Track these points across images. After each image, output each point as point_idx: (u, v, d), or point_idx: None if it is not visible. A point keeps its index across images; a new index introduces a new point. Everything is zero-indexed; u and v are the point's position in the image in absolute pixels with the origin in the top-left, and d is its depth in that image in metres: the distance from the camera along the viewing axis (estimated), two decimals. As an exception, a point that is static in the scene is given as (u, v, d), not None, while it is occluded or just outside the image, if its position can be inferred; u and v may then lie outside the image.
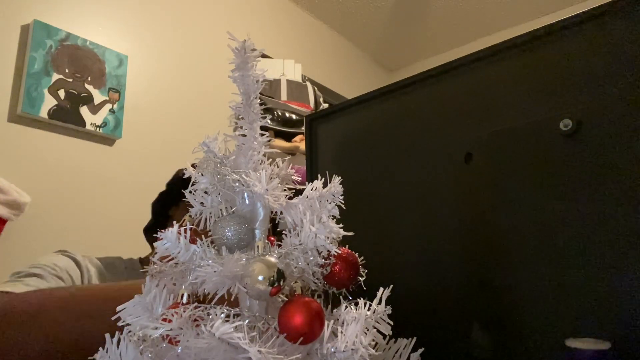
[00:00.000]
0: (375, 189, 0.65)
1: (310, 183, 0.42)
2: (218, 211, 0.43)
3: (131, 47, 2.00)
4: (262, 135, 0.44)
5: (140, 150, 1.95)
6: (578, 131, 0.47)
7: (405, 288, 0.55)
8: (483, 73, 0.56)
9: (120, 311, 0.40)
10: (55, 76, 1.70)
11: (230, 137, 0.45)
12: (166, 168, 1.19)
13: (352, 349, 0.34)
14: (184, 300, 0.39)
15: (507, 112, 0.53)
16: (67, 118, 1.71)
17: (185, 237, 0.39)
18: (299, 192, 0.41)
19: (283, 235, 0.40)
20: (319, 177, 0.43)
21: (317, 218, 0.39)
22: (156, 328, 0.35)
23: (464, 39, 3.37)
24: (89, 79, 1.81)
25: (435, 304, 0.57)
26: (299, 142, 2.04)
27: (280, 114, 2.06)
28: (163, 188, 1.05)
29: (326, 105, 2.36)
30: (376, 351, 0.37)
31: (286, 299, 0.37)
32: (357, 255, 0.43)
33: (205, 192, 0.43)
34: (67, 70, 1.74)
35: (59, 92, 1.71)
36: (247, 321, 0.33)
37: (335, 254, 0.41)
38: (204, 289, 0.37)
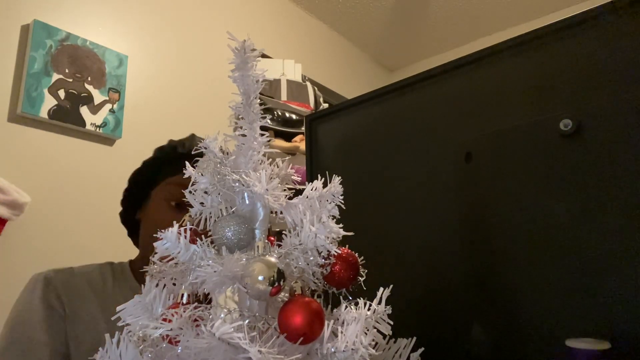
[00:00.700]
0: (375, 189, 0.65)
1: (310, 183, 0.42)
2: (218, 211, 0.43)
3: (131, 47, 2.00)
4: (262, 135, 0.44)
5: (140, 150, 1.94)
6: (578, 131, 0.47)
7: (405, 288, 0.55)
8: (483, 73, 0.56)
9: (120, 311, 0.40)
10: (55, 76, 1.70)
11: (230, 137, 0.45)
12: (166, 168, 1.19)
13: (352, 349, 0.34)
14: (184, 300, 0.39)
15: (507, 112, 0.53)
16: (67, 118, 1.71)
17: (185, 237, 0.39)
18: (299, 192, 0.41)
19: (283, 235, 0.40)
20: (319, 177, 0.43)
21: (317, 218, 0.39)
22: (156, 328, 0.35)
23: (464, 39, 3.37)
24: (89, 79, 1.81)
25: (435, 303, 0.57)
26: (299, 142, 2.04)
27: (280, 114, 2.07)
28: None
29: (326, 105, 2.36)
30: (376, 351, 0.37)
31: (286, 299, 0.37)
32: (357, 255, 0.43)
33: (205, 192, 0.43)
34: (67, 70, 1.75)
35: (59, 92, 1.71)
36: (247, 321, 0.34)
37: (335, 254, 0.41)
38: (204, 289, 0.37)
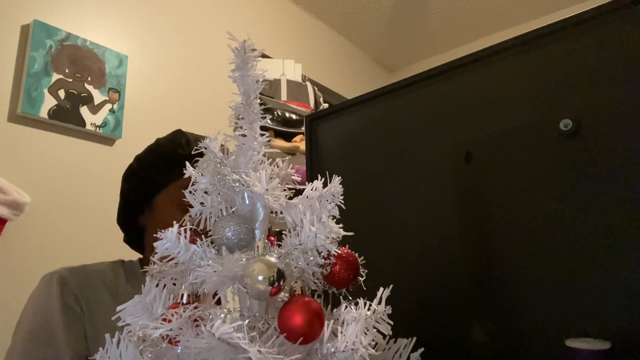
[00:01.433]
0: (375, 188, 0.65)
1: (310, 183, 0.42)
2: (218, 211, 0.43)
3: (131, 47, 2.00)
4: (262, 135, 0.44)
5: (140, 151, 1.94)
6: (578, 131, 0.47)
7: (405, 288, 0.55)
8: (483, 73, 0.56)
9: (120, 311, 0.40)
10: (55, 76, 1.70)
11: (230, 137, 0.45)
12: (166, 168, 1.18)
13: (352, 349, 0.34)
14: (184, 300, 0.39)
15: (507, 112, 0.53)
16: (67, 118, 1.71)
17: (185, 237, 0.39)
18: (299, 192, 0.41)
19: (283, 235, 0.40)
20: (319, 177, 0.43)
21: (317, 218, 0.39)
22: (156, 328, 0.35)
23: (464, 39, 3.37)
24: (89, 79, 1.81)
25: (435, 304, 0.57)
26: (299, 142, 2.04)
27: (280, 114, 2.07)
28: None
29: (326, 105, 2.36)
30: (376, 351, 0.37)
31: (286, 299, 0.37)
32: (357, 255, 0.43)
33: (205, 192, 0.43)
34: (67, 70, 1.74)
35: (59, 92, 1.71)
36: (247, 321, 0.33)
37: (335, 254, 0.41)
38: (204, 289, 0.37)
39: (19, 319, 0.80)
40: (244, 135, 0.44)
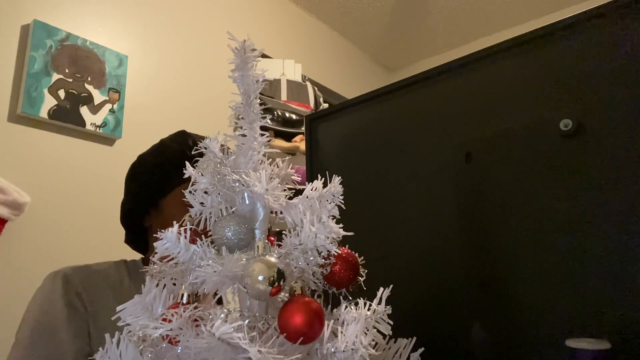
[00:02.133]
0: (375, 188, 0.65)
1: (310, 183, 0.42)
2: (218, 211, 0.43)
3: (131, 47, 2.00)
4: (262, 135, 0.44)
5: (140, 150, 1.94)
6: (578, 131, 0.47)
7: (405, 288, 0.55)
8: (483, 73, 0.56)
9: (120, 311, 0.40)
10: (55, 76, 1.70)
11: (230, 137, 0.45)
12: (166, 168, 1.18)
13: (352, 349, 0.34)
14: (184, 300, 0.39)
15: (507, 112, 0.53)
16: (67, 118, 1.71)
17: (185, 237, 0.39)
18: (299, 192, 0.41)
19: (283, 235, 0.40)
20: (319, 177, 0.43)
21: (317, 218, 0.39)
22: (156, 328, 0.35)
23: (464, 39, 3.37)
24: (89, 79, 1.81)
25: (435, 304, 0.57)
26: (299, 142, 2.04)
27: (280, 114, 2.07)
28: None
29: (326, 105, 2.36)
30: (376, 351, 0.37)
31: (286, 299, 0.37)
32: (357, 255, 0.43)
33: (205, 192, 0.43)
34: (67, 70, 1.74)
35: (59, 92, 1.71)
36: (247, 321, 0.34)
37: (335, 254, 0.41)
38: (204, 289, 0.37)
39: (23, 316, 0.80)
40: (244, 135, 0.44)
